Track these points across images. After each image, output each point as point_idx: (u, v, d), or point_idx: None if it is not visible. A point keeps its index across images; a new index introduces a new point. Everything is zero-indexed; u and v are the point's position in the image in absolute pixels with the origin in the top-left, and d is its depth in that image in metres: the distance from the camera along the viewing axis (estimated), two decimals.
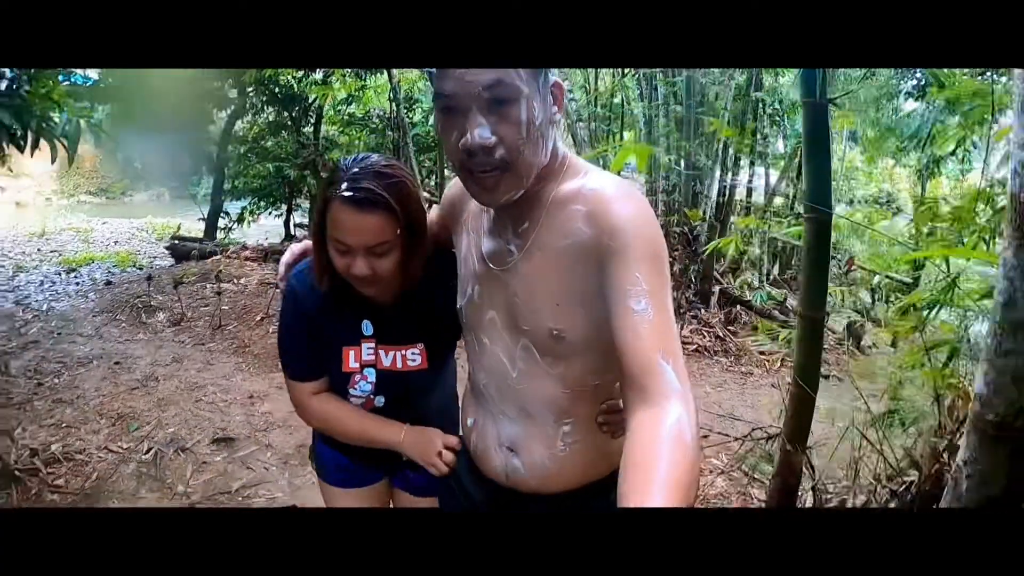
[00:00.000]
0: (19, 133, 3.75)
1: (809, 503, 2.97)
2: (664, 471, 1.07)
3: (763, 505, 3.16)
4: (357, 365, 1.94)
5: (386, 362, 1.94)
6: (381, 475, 2.22)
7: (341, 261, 1.71)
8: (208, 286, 8.36)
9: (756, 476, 3.91)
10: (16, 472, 4.29)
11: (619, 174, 9.30)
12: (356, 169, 1.65)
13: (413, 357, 1.94)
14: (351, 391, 1.96)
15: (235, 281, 8.54)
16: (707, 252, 6.83)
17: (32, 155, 4.03)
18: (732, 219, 8.19)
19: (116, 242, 13.69)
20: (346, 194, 1.61)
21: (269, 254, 9.63)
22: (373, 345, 1.93)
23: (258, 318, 7.44)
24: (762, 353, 6.67)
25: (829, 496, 3.05)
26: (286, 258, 1.99)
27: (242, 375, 6.06)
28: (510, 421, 1.66)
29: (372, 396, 1.96)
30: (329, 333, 1.93)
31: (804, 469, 2.88)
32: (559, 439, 1.60)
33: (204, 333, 7.19)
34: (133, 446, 4.65)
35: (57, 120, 3.91)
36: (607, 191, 1.40)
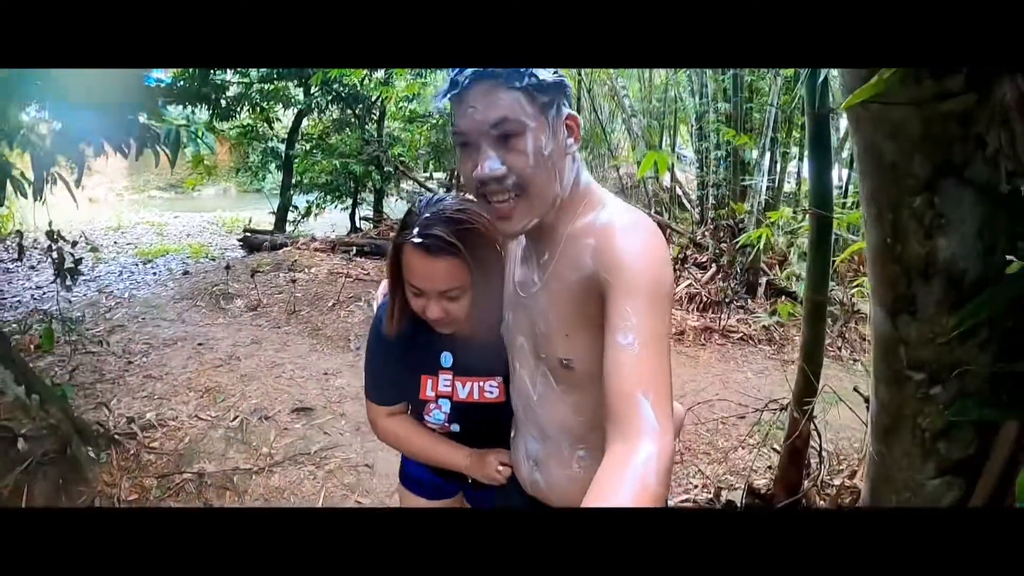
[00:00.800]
0: (124, 143, 4.14)
1: (814, 464, 3.24)
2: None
3: (774, 468, 3.40)
4: (433, 395, 1.98)
5: (462, 393, 1.97)
6: (457, 489, 2.28)
7: (417, 302, 1.76)
8: (281, 275, 8.79)
9: (775, 447, 4.18)
10: (115, 436, 4.73)
11: (671, 165, 9.47)
12: (428, 214, 1.68)
13: (491, 390, 1.96)
14: (426, 418, 2.01)
15: (306, 270, 8.96)
16: (739, 244, 7.01)
17: (137, 159, 4.43)
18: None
19: (188, 235, 14.07)
20: (416, 240, 1.65)
21: (336, 245, 10.05)
22: (450, 377, 1.96)
23: (330, 304, 7.83)
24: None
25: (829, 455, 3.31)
26: (382, 288, 2.04)
27: (317, 355, 6.43)
28: (533, 439, 1.74)
29: (447, 424, 2.00)
30: (410, 360, 1.98)
31: (811, 433, 3.12)
32: (574, 461, 1.66)
33: (280, 318, 7.59)
34: (220, 415, 5.06)
35: (159, 129, 4.29)
36: (615, 226, 1.42)
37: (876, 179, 1.27)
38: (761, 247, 6.76)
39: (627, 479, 1.13)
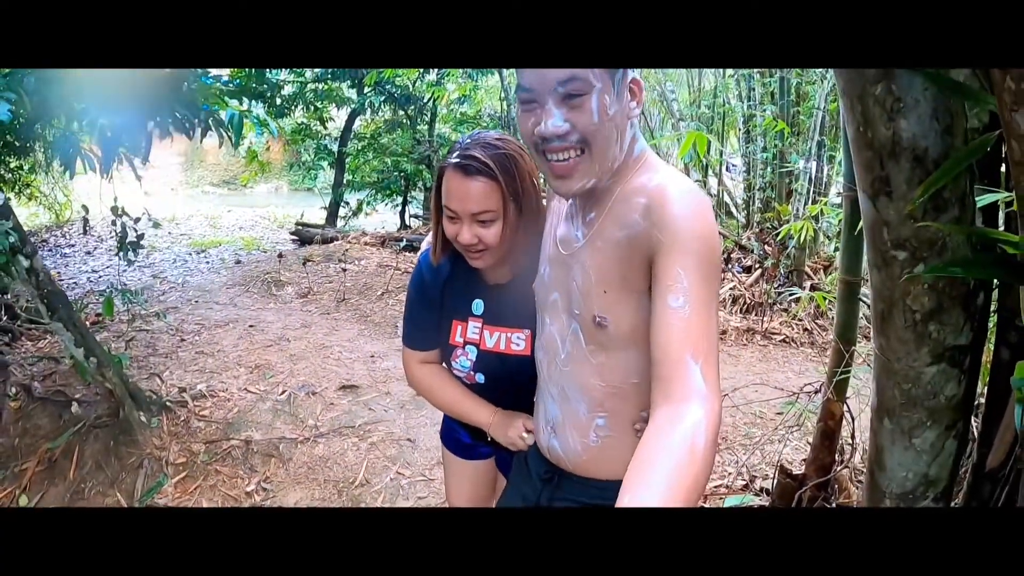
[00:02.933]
0: (189, 124, 4.30)
1: (847, 449, 3.29)
2: (666, 474, 1.08)
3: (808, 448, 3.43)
4: (461, 340, 2.01)
5: (489, 343, 1.99)
6: (490, 452, 2.34)
7: (451, 228, 1.77)
8: (332, 266, 8.99)
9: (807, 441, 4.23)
10: (167, 403, 4.91)
11: (719, 171, 9.49)
12: (468, 140, 1.74)
13: (517, 342, 1.98)
14: (453, 364, 2.04)
15: (356, 262, 9.14)
16: (780, 236, 7.04)
17: (201, 142, 4.60)
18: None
19: (241, 228, 14.36)
20: (454, 161, 1.71)
21: (387, 240, 10.22)
22: (480, 325, 2.00)
23: (379, 293, 8.01)
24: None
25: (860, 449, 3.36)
26: (427, 239, 2.05)
27: (364, 339, 6.57)
28: (553, 401, 1.73)
29: (472, 372, 2.03)
30: (446, 306, 2.02)
31: (844, 416, 3.16)
32: (592, 430, 1.65)
33: (329, 305, 7.76)
34: (268, 389, 5.22)
35: (223, 114, 4.45)
36: (669, 188, 1.41)
37: (844, 73, 1.35)
38: (804, 245, 6.76)
39: (676, 442, 1.12)
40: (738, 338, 6.97)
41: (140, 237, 5.04)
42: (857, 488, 3.23)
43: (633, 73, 1.47)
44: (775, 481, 3.36)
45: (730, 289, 7.68)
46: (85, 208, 5.63)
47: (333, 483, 4.15)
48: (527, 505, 1.85)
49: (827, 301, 6.04)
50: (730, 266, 8.14)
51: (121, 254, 4.96)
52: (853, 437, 3.30)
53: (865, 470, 1.72)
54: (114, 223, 4.92)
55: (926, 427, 1.51)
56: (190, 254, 11.01)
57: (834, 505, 3.15)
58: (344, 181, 12.70)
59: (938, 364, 1.46)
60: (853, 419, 3.26)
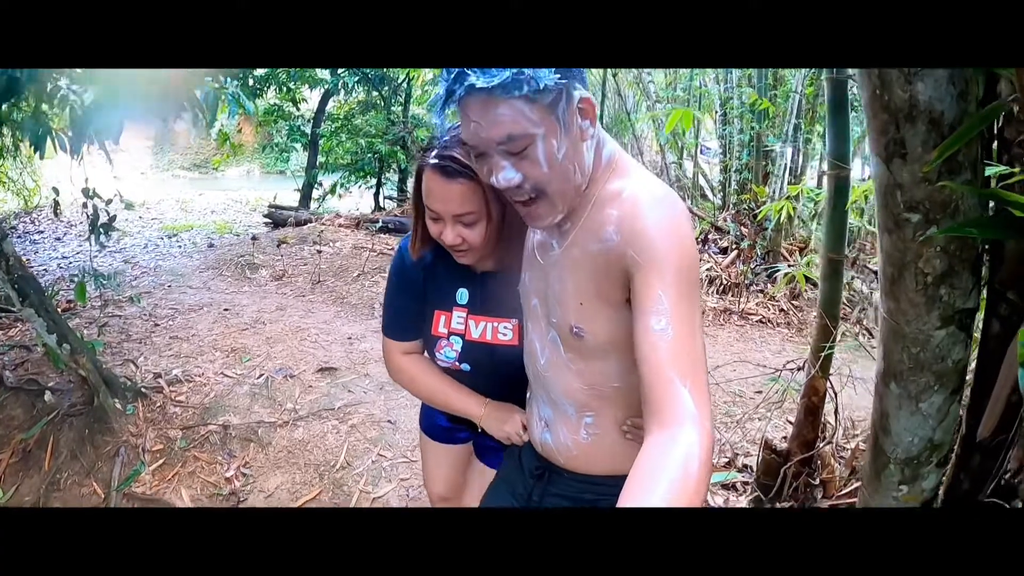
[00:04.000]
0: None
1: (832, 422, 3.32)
2: (661, 501, 1.06)
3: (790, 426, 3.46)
4: (445, 331, 1.98)
5: (475, 333, 1.96)
6: (469, 436, 2.32)
7: (434, 228, 1.76)
8: (306, 248, 8.92)
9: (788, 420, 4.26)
10: (142, 389, 4.85)
11: (695, 153, 9.53)
12: (447, 138, 1.69)
13: (504, 332, 1.95)
14: (437, 355, 2.01)
15: (331, 244, 9.06)
16: (760, 216, 7.08)
17: (174, 123, 4.51)
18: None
19: (213, 211, 14.24)
20: (433, 162, 1.67)
21: (361, 222, 10.17)
22: (464, 315, 1.96)
23: (355, 275, 7.97)
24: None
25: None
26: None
27: (341, 320, 6.54)
28: (543, 402, 1.73)
29: (457, 363, 1.99)
30: (428, 295, 1.98)
31: (827, 392, 3.19)
32: (581, 428, 1.64)
33: (304, 287, 7.72)
34: (245, 372, 5.17)
35: (198, 92, 4.36)
36: (642, 199, 1.38)
37: None
38: (781, 227, 6.78)
39: (670, 467, 1.10)
40: (715, 318, 7.01)
41: (112, 219, 4.97)
42: (839, 464, 3.25)
43: (580, 92, 1.39)
44: (759, 458, 3.39)
45: (707, 270, 7.72)
46: (56, 191, 5.55)
47: (314, 467, 4.12)
48: (517, 500, 1.85)
49: (807, 281, 6.09)
50: (706, 247, 8.18)
51: (93, 237, 4.89)
52: (837, 413, 3.32)
53: (868, 436, 1.74)
54: (85, 205, 4.85)
55: (933, 391, 1.52)
56: (161, 238, 10.88)
57: (817, 481, 3.17)
58: (317, 163, 12.61)
59: (947, 327, 1.47)
60: (836, 395, 3.28)
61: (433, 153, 1.68)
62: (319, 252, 8.50)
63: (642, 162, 10.55)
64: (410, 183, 1.86)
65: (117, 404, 4.71)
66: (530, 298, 1.69)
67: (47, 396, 4.82)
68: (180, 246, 10.26)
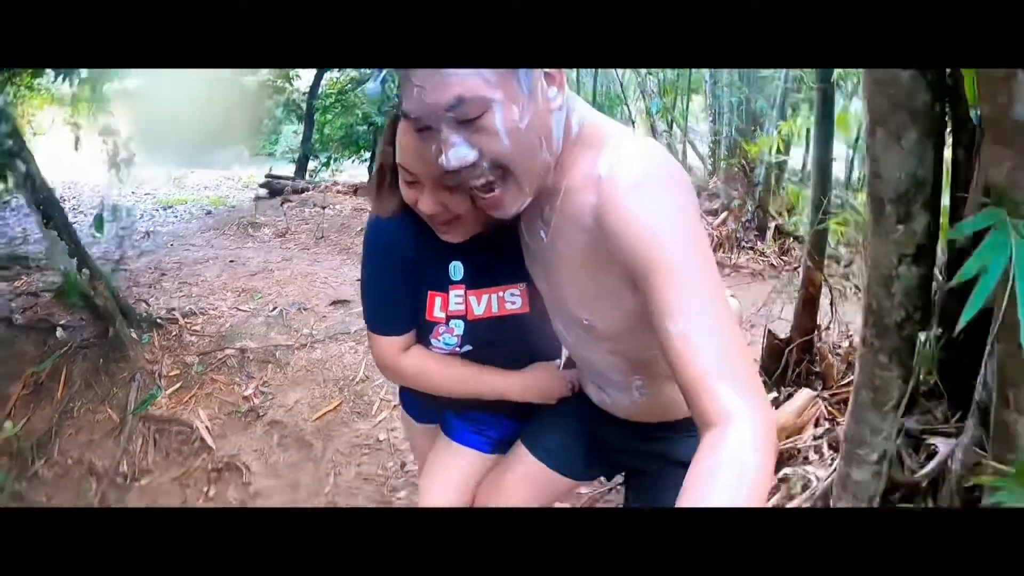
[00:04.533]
0: None
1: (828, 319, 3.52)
2: (719, 502, 0.98)
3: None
4: (443, 315, 1.68)
5: (478, 310, 1.69)
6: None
7: (409, 194, 1.50)
8: (307, 209, 9.04)
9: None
10: (158, 320, 4.99)
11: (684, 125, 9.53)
12: None
13: (512, 299, 1.69)
14: (433, 341, 1.72)
15: (332, 207, 9.18)
16: (753, 155, 7.25)
17: None
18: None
19: (206, 187, 14.25)
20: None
21: (359, 189, 10.26)
22: (462, 292, 1.68)
23: (357, 230, 8.02)
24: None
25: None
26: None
27: (348, 267, 6.58)
28: (587, 369, 1.68)
29: (458, 348, 1.73)
30: (416, 274, 1.66)
31: (823, 281, 3.44)
32: (633, 389, 1.58)
33: (308, 242, 7.82)
34: (259, 307, 5.28)
35: None
36: (621, 181, 1.19)
37: None
38: (770, 186, 6.92)
39: (722, 468, 1.01)
40: None
41: (132, 156, 5.04)
42: (837, 359, 3.42)
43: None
44: (764, 344, 3.59)
45: None
46: (76, 125, 5.59)
47: (333, 382, 4.24)
48: (571, 435, 1.84)
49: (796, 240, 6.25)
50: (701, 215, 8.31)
51: (113, 171, 4.97)
52: (832, 307, 3.54)
53: (865, 186, 1.85)
54: (105, 142, 4.92)
55: (910, 127, 1.63)
56: (156, 210, 10.80)
57: (817, 370, 3.42)
58: (313, 137, 12.66)
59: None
60: (832, 289, 3.52)
61: None
62: (323, 209, 8.58)
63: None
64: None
65: (133, 333, 4.82)
66: (538, 280, 1.56)
67: (59, 332, 4.95)
68: (176, 216, 10.24)
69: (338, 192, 10.25)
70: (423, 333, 1.71)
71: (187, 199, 12.18)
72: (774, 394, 3.35)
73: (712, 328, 1.09)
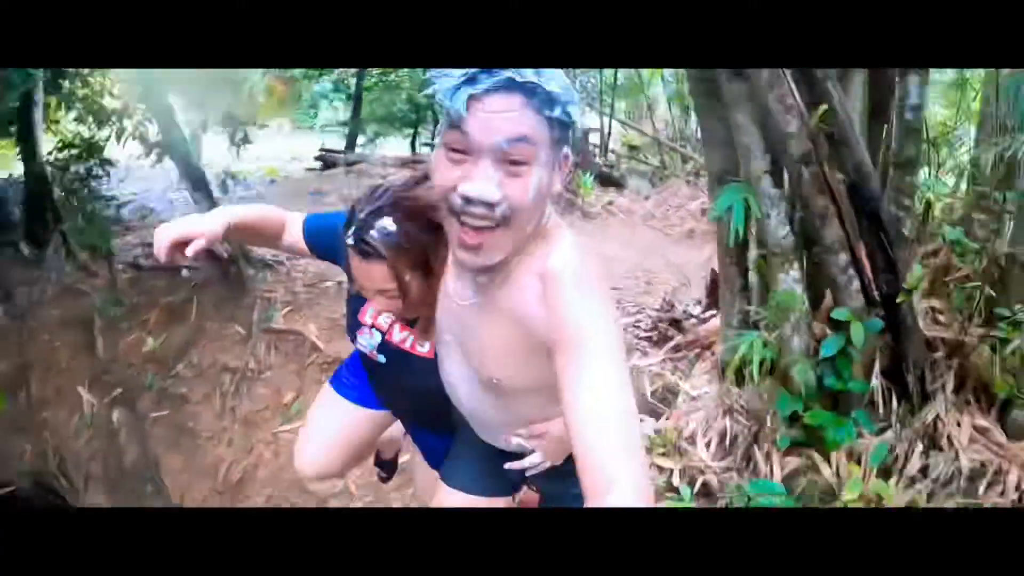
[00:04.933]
0: None
1: None
2: None
3: None
4: (370, 322, 1.88)
5: (396, 337, 1.86)
6: (379, 407, 2.21)
7: (364, 292, 1.69)
8: (366, 179, 9.96)
9: None
10: (268, 262, 6.19)
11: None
12: (363, 215, 1.56)
13: (423, 342, 1.82)
14: (358, 338, 1.93)
15: (385, 177, 10.01)
16: None
17: None
18: None
19: (258, 158, 14.84)
20: (350, 242, 1.56)
21: (405, 163, 11.39)
22: (392, 317, 1.84)
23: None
24: None
25: None
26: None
27: None
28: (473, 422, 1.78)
29: (375, 352, 1.90)
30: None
31: None
32: (512, 437, 1.69)
33: None
34: None
35: None
36: (566, 276, 1.29)
37: None
38: None
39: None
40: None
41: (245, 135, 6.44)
42: None
43: (566, 147, 1.32)
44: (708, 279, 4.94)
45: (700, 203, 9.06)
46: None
47: None
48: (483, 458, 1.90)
49: None
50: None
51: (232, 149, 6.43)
52: None
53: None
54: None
55: None
56: (224, 179, 11.29)
57: None
58: (361, 114, 13.52)
59: None
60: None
61: (351, 230, 1.56)
62: (384, 178, 9.49)
63: (652, 119, 11.94)
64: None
65: (250, 271, 6.04)
66: (443, 333, 1.62)
67: (183, 272, 6.07)
68: (243, 185, 10.61)
69: (387, 165, 11.23)
70: (353, 328, 1.95)
71: (244, 170, 13.00)
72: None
73: (619, 409, 1.19)
